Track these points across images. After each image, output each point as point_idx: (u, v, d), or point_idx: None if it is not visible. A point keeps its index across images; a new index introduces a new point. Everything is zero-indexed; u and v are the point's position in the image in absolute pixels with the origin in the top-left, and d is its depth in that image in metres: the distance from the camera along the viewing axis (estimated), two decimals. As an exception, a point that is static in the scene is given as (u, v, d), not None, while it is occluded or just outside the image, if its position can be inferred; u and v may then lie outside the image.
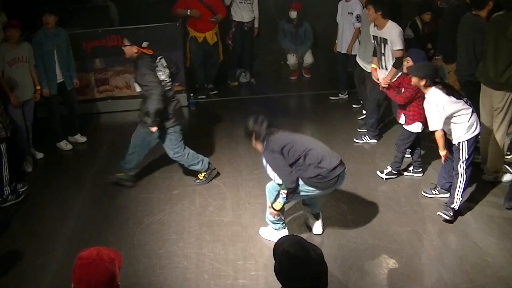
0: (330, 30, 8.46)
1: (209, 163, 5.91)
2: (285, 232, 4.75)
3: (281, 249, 2.37)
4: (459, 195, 4.92)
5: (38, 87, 6.43)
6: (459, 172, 4.90)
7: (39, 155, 6.70)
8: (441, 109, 4.70)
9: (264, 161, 4.51)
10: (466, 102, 4.82)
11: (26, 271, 4.62)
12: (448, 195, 5.17)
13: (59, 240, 5.04)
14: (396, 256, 4.59)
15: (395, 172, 5.81)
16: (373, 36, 6.23)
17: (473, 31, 5.67)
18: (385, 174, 5.81)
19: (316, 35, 9.24)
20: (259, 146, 4.59)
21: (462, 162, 4.88)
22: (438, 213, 5.01)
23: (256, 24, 8.93)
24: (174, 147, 5.68)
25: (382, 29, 6.06)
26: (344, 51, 7.86)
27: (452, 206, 4.95)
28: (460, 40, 5.93)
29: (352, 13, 7.69)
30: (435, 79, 4.84)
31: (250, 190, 5.73)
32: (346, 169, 4.54)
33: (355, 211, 5.27)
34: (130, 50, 5.47)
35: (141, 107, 5.59)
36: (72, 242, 4.97)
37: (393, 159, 5.79)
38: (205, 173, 5.89)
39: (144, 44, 5.46)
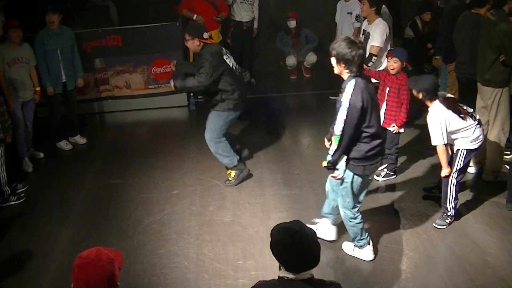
0: (329, 30, 8.46)
1: (238, 159, 5.83)
2: (369, 248, 4.50)
3: (280, 225, 2.65)
4: (451, 203, 4.85)
5: (38, 88, 6.41)
6: (450, 181, 4.79)
7: (39, 155, 6.70)
8: (443, 124, 4.58)
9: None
10: (471, 117, 4.70)
11: (26, 271, 4.62)
12: None
13: (59, 240, 5.04)
14: (396, 256, 4.59)
15: (392, 173, 5.80)
16: (363, 30, 6.35)
17: (476, 30, 5.68)
18: (382, 177, 5.77)
19: (316, 32, 9.24)
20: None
21: (455, 171, 4.77)
22: (434, 224, 4.93)
23: (255, 25, 8.93)
24: (214, 130, 5.62)
25: (371, 24, 6.17)
26: None
27: (448, 214, 4.91)
28: (461, 39, 5.93)
29: (351, 13, 7.69)
30: (436, 93, 4.71)
31: (250, 190, 5.73)
32: None
33: (355, 211, 5.27)
34: (193, 43, 5.41)
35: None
36: (72, 242, 4.97)
37: (387, 161, 5.72)
38: (234, 171, 5.78)
39: (205, 35, 5.41)
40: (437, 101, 4.66)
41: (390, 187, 5.70)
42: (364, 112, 3.94)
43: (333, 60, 4.02)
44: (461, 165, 4.78)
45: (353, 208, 4.33)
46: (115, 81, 8.08)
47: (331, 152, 4.10)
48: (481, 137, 4.77)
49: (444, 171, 4.74)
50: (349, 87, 3.94)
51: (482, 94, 5.51)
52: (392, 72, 5.43)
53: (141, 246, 4.86)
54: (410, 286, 4.26)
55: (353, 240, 4.53)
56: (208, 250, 4.78)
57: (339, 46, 3.95)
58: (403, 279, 4.32)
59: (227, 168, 5.85)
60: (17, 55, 6.14)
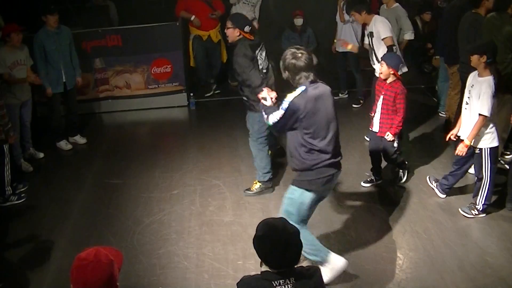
0: (329, 30, 8.45)
1: (270, 178, 5.65)
2: (333, 257, 4.19)
3: (264, 221, 2.67)
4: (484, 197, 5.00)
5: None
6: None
7: (39, 155, 6.70)
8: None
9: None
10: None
11: (26, 271, 4.61)
12: (443, 195, 5.33)
13: (59, 240, 5.04)
14: (396, 256, 4.59)
15: (378, 179, 5.75)
16: (367, 34, 6.43)
17: (474, 29, 5.70)
18: (401, 181, 5.72)
19: (316, 35, 9.23)
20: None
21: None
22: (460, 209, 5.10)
23: (255, 26, 8.92)
24: (258, 133, 5.53)
25: (369, 24, 6.26)
26: (341, 51, 7.84)
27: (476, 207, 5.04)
28: (461, 39, 5.94)
29: None
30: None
31: (250, 190, 5.73)
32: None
33: (355, 211, 5.27)
34: (233, 32, 5.33)
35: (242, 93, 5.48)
36: (72, 242, 4.97)
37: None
38: (260, 185, 5.63)
39: (247, 28, 5.35)
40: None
41: (390, 187, 5.70)
42: (299, 120, 3.85)
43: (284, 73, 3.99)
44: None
45: (298, 224, 3.91)
46: (115, 81, 8.09)
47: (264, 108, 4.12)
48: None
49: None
50: (297, 91, 3.90)
51: None
52: (381, 76, 5.36)
53: (141, 246, 4.86)
54: (410, 286, 4.26)
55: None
56: (208, 250, 4.78)
57: (284, 57, 3.94)
58: (403, 279, 4.32)
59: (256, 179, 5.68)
60: (17, 58, 6.13)
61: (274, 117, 3.94)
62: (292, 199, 4.08)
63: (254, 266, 4.48)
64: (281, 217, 2.68)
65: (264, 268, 2.62)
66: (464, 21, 5.91)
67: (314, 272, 2.68)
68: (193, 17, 8.16)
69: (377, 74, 6.31)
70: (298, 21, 8.83)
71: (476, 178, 5.12)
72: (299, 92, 3.87)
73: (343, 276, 4.33)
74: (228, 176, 6.06)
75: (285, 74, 3.97)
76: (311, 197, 4.05)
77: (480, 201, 5.00)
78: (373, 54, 6.34)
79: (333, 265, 4.17)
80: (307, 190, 4.02)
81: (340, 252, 4.63)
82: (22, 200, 5.72)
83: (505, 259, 4.49)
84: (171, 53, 8.01)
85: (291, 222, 2.72)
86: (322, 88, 3.95)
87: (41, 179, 6.30)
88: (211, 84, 8.72)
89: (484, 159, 4.89)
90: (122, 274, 2.41)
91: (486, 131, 4.83)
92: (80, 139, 7.12)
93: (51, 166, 6.59)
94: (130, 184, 5.97)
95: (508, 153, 5.96)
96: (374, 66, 6.42)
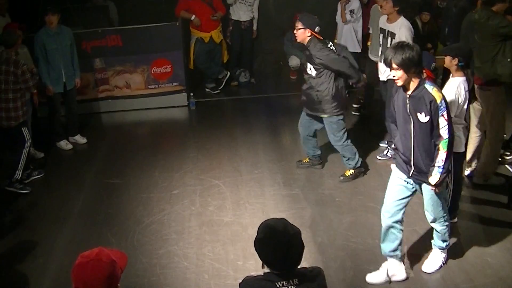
0: (329, 31, 8.44)
1: (361, 162, 5.88)
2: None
3: (264, 223, 2.64)
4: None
5: (35, 91, 6.37)
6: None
7: (39, 155, 6.70)
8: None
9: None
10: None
11: (26, 271, 4.62)
12: None
13: (59, 240, 5.04)
14: (396, 256, 4.58)
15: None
16: (381, 28, 6.16)
17: (470, 28, 5.70)
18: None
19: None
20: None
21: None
22: None
23: (254, 26, 8.92)
24: (337, 134, 5.66)
25: (392, 23, 6.00)
26: None
27: None
28: (462, 39, 5.94)
29: (352, 11, 7.69)
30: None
31: (250, 190, 5.73)
32: None
33: (355, 210, 5.27)
34: (304, 33, 5.38)
35: (309, 94, 5.57)
36: (72, 242, 4.97)
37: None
38: (354, 171, 5.82)
39: (317, 29, 5.38)
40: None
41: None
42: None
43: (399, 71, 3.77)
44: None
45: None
46: (115, 81, 8.08)
47: (441, 162, 3.88)
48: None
49: None
50: (431, 86, 3.81)
51: (480, 97, 5.44)
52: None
53: (141, 246, 4.86)
54: (410, 286, 4.26)
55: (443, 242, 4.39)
56: (208, 250, 4.78)
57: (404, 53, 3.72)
58: (403, 279, 4.32)
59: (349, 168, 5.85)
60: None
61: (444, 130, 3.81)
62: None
63: (254, 266, 4.48)
64: (282, 218, 2.66)
65: (266, 269, 2.60)
66: (464, 22, 5.91)
67: (317, 273, 2.66)
68: (193, 17, 8.16)
69: (380, 75, 6.30)
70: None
71: None
72: (432, 87, 3.79)
73: (343, 276, 4.34)
74: (228, 176, 6.06)
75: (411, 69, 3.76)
76: None
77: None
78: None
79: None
80: None
81: (339, 253, 4.64)
82: (26, 191, 5.75)
83: (505, 259, 4.49)
84: (171, 53, 8.01)
85: None
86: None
87: (41, 179, 6.29)
88: (226, 74, 8.71)
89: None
90: (122, 274, 2.41)
91: None
92: (80, 139, 7.12)
93: (51, 166, 6.58)
94: (130, 184, 5.97)
95: (508, 153, 5.96)
96: (379, 64, 6.23)
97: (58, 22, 6.51)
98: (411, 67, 3.72)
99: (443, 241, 4.35)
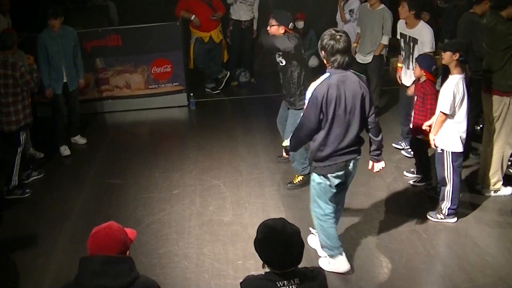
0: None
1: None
2: (342, 259, 4.36)
3: (263, 223, 2.66)
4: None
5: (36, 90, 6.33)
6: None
7: (40, 155, 6.70)
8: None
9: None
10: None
11: (26, 271, 4.62)
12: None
13: (59, 240, 5.05)
14: (396, 256, 4.59)
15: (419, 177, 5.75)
16: (401, 33, 6.05)
17: (470, 28, 5.70)
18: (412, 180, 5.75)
19: (318, 37, 9.23)
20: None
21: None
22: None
23: (254, 26, 8.93)
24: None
25: (413, 28, 5.88)
26: None
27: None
28: (460, 35, 5.94)
29: (352, 11, 7.69)
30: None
31: (250, 190, 5.73)
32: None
33: (355, 210, 5.27)
34: (278, 30, 5.38)
35: (285, 86, 5.53)
36: (72, 242, 4.97)
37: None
38: (303, 178, 5.66)
39: (291, 25, 5.42)
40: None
41: (391, 186, 5.70)
42: (322, 107, 3.86)
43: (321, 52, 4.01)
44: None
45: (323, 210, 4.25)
46: (115, 81, 8.09)
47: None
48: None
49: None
50: (320, 78, 3.94)
51: (488, 105, 5.31)
52: (414, 76, 5.43)
53: (141, 246, 4.85)
54: (410, 286, 4.26)
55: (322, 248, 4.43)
56: (208, 250, 4.78)
57: (322, 37, 3.99)
58: (403, 279, 4.32)
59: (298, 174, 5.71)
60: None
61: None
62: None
63: (254, 266, 4.48)
64: (281, 218, 2.67)
65: (267, 269, 2.61)
66: (461, 22, 5.92)
67: (318, 273, 2.67)
68: (193, 17, 8.17)
69: (403, 80, 6.11)
70: (299, 25, 8.83)
71: (437, 181, 5.09)
72: (322, 79, 3.89)
73: (343, 276, 4.34)
74: (228, 176, 6.06)
75: (322, 54, 3.98)
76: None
77: (446, 206, 4.92)
78: (410, 60, 5.91)
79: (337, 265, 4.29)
80: None
81: (340, 252, 4.64)
82: (26, 195, 5.74)
83: (505, 259, 4.49)
84: (171, 53, 8.02)
85: None
86: (350, 76, 3.92)
87: (41, 179, 6.29)
88: (225, 74, 8.72)
89: (446, 161, 4.79)
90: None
91: (450, 134, 4.74)
92: (80, 139, 7.12)
93: (51, 166, 6.58)
94: (130, 184, 5.97)
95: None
96: (406, 71, 6.05)
97: (61, 23, 6.48)
98: None
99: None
